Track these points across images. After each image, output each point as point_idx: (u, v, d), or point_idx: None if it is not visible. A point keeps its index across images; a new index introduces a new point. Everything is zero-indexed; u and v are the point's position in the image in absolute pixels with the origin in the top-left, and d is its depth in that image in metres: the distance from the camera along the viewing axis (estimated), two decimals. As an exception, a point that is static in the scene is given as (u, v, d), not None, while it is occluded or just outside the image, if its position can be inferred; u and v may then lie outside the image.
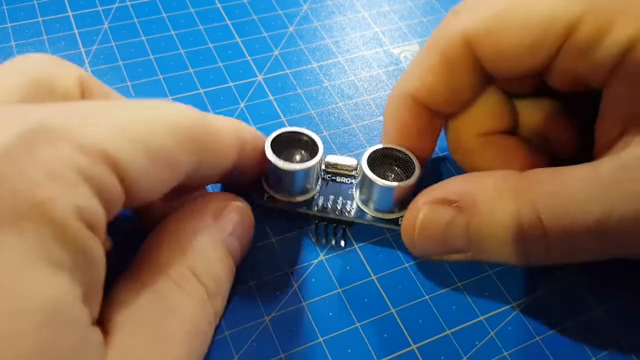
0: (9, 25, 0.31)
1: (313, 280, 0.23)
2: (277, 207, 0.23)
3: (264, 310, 0.22)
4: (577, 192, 0.19)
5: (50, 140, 0.13)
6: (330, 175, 0.25)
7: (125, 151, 0.14)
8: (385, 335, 0.22)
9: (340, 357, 0.21)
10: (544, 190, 0.19)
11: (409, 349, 0.21)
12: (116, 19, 0.32)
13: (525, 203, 0.19)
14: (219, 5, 0.34)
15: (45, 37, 0.31)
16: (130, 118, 0.15)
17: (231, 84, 0.30)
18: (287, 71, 0.31)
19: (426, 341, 0.22)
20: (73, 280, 0.13)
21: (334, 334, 0.21)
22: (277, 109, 0.29)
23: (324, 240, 0.24)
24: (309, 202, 0.24)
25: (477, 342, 0.22)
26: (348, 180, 0.25)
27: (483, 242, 0.20)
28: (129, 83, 0.29)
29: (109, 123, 0.14)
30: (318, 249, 0.24)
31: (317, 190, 0.24)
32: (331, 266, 0.23)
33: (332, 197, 0.24)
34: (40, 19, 0.32)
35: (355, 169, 0.25)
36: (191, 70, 0.30)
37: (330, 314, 0.22)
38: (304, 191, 0.24)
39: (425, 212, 0.21)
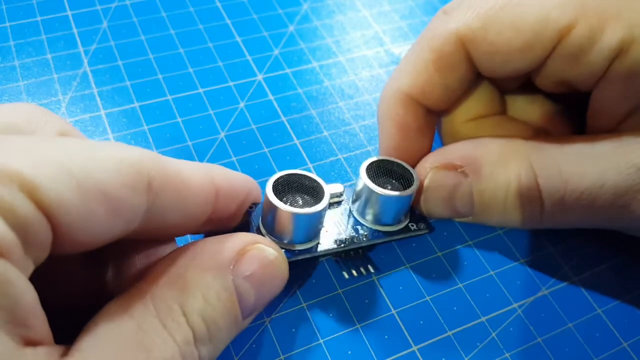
0: (7, 24, 0.31)
1: (313, 281, 0.23)
2: (300, 259, 0.22)
3: (263, 311, 0.22)
4: (573, 159, 0.20)
5: None
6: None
7: (48, 178, 0.13)
8: (386, 337, 0.22)
9: (340, 358, 0.21)
10: (543, 154, 0.20)
11: (409, 350, 0.21)
12: (115, 18, 0.32)
13: (525, 165, 0.20)
14: (218, 4, 0.34)
15: (44, 36, 0.31)
16: (62, 150, 0.14)
17: (231, 83, 0.30)
18: (287, 71, 0.31)
19: (427, 342, 0.22)
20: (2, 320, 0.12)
21: (334, 336, 0.21)
22: (277, 108, 0.29)
23: (354, 273, 0.23)
24: (324, 242, 0.22)
25: (478, 343, 0.22)
26: (343, 208, 0.24)
27: (485, 205, 0.22)
28: (128, 83, 0.29)
29: (34, 152, 0.13)
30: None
31: (324, 228, 0.23)
32: (331, 267, 0.23)
33: (341, 227, 0.23)
34: (39, 18, 0.32)
35: (342, 195, 0.24)
36: (191, 70, 0.30)
37: (331, 315, 0.22)
38: (317, 233, 0.22)
39: (431, 176, 0.22)
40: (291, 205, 0.21)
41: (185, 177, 0.17)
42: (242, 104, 0.29)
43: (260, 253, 0.18)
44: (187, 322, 0.16)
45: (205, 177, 0.18)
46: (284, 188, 0.22)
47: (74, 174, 0.13)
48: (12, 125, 0.16)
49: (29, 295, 0.13)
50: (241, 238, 0.18)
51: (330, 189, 0.23)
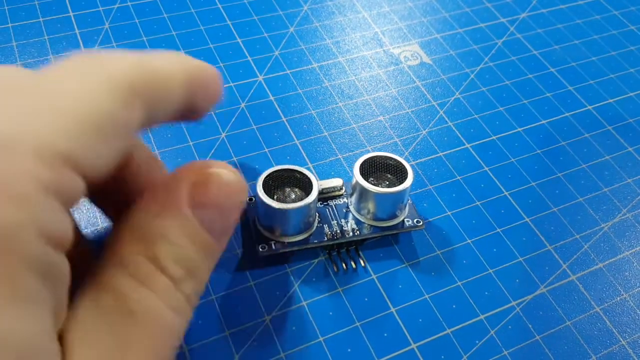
0: (10, 25, 0.31)
1: (313, 279, 0.23)
2: (288, 251, 0.23)
3: (264, 309, 0.22)
4: None
5: (3, 153, 0.11)
6: (320, 202, 0.24)
7: (76, 139, 0.12)
8: (385, 335, 0.22)
9: (340, 356, 0.21)
10: None
11: (408, 348, 0.21)
12: (117, 20, 0.32)
13: None
14: (219, 5, 0.34)
15: (46, 37, 0.31)
16: (67, 92, 0.13)
17: (232, 84, 0.30)
18: (288, 71, 0.31)
19: (426, 340, 0.22)
20: (44, 310, 0.12)
21: (334, 334, 0.21)
22: (278, 109, 0.29)
23: (344, 266, 0.23)
24: (316, 235, 0.23)
25: (477, 341, 0.22)
26: (341, 201, 0.24)
27: None
28: (129, 83, 0.29)
29: (50, 108, 0.12)
30: (321, 253, 0.24)
31: (317, 221, 0.23)
32: (331, 266, 0.23)
33: (334, 222, 0.23)
34: (41, 19, 0.32)
35: (342, 188, 0.24)
36: (192, 71, 0.30)
37: (331, 313, 0.22)
38: (308, 226, 0.23)
39: None
40: (281, 199, 0.22)
41: (166, 72, 0.16)
42: (242, 104, 0.29)
43: (211, 178, 0.17)
44: (162, 271, 0.15)
45: (181, 72, 0.17)
46: (276, 183, 0.23)
47: (91, 121, 0.13)
48: None
49: (68, 288, 0.13)
50: (189, 169, 0.17)
51: (329, 183, 0.24)
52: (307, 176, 0.23)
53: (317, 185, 0.22)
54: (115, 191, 0.18)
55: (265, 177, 0.22)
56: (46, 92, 0.13)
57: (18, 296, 0.11)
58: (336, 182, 0.24)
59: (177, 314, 0.15)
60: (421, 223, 0.24)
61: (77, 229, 0.18)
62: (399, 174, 0.23)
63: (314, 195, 0.22)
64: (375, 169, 0.24)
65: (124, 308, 0.14)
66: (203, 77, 0.18)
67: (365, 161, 0.23)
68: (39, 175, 0.11)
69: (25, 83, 0.14)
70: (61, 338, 0.14)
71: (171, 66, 0.16)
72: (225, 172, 0.17)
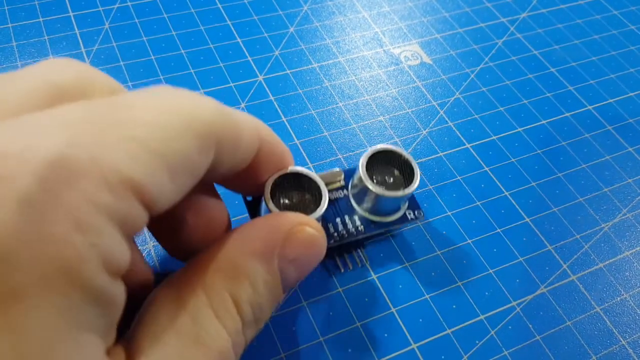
0: (10, 25, 0.31)
1: (313, 279, 0.23)
2: None
3: (264, 309, 0.22)
4: None
5: (71, 178, 0.11)
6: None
7: (148, 172, 0.12)
8: (386, 335, 0.22)
9: (340, 356, 0.21)
10: None
11: (409, 348, 0.21)
12: (117, 19, 0.32)
13: None
14: (219, 5, 0.34)
15: (46, 37, 0.31)
16: (146, 125, 0.13)
17: (232, 84, 0.30)
18: (288, 71, 0.31)
19: (426, 340, 0.22)
20: (99, 337, 0.12)
21: (334, 334, 0.21)
22: (278, 109, 0.29)
23: (349, 265, 0.23)
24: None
25: (477, 342, 0.22)
26: (341, 194, 0.24)
27: None
28: (130, 83, 0.29)
29: (126, 137, 0.12)
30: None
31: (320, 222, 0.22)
32: (331, 266, 0.23)
33: (338, 219, 0.23)
34: (41, 19, 0.32)
35: (342, 177, 0.24)
36: (192, 71, 0.30)
37: (331, 313, 0.22)
38: None
39: None
40: (286, 207, 0.21)
41: (240, 129, 0.16)
42: (243, 105, 0.29)
43: (304, 235, 0.18)
44: (237, 311, 0.16)
45: (254, 130, 0.17)
46: (281, 188, 0.21)
47: (162, 153, 0.13)
48: (66, 88, 0.14)
49: (121, 311, 0.13)
50: (287, 220, 0.18)
51: (329, 176, 0.23)
52: (314, 180, 0.21)
53: (326, 193, 0.21)
54: (173, 221, 0.18)
55: (272, 184, 0.21)
56: (122, 119, 0.13)
57: (75, 326, 0.11)
58: (337, 175, 0.23)
59: (236, 357, 0.16)
60: (422, 214, 0.23)
61: (140, 255, 0.18)
62: (405, 168, 0.23)
63: (323, 207, 0.20)
64: (383, 162, 0.23)
65: (198, 336, 0.15)
66: (271, 142, 0.19)
67: (372, 156, 0.22)
68: (104, 202, 0.11)
69: (101, 106, 0.13)
70: (128, 341, 0.14)
71: (246, 123, 0.16)
72: (315, 234, 0.18)
